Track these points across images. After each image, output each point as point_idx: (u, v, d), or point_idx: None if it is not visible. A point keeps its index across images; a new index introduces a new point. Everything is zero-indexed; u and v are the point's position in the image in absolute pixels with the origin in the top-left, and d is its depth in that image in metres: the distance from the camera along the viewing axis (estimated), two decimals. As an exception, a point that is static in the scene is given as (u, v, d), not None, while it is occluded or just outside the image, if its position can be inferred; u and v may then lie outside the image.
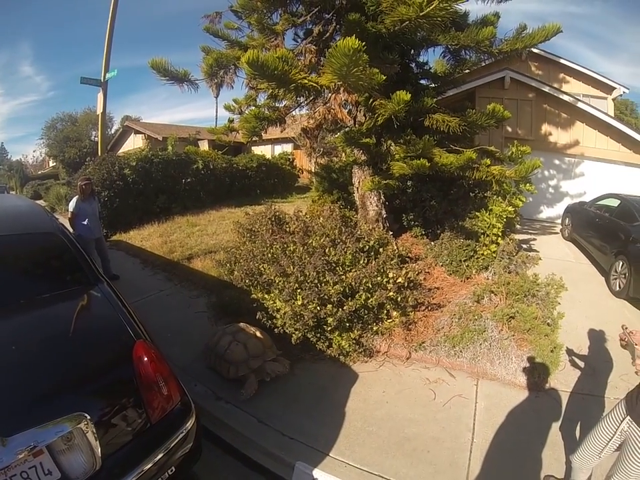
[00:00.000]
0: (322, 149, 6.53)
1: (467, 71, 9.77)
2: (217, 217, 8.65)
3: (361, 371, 3.62)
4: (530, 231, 8.77)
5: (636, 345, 1.87)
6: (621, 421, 1.99)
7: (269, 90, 5.40)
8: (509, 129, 9.97)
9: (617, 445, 2.05)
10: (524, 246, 6.78)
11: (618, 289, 5.55)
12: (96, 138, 21.64)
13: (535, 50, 11.33)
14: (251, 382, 3.26)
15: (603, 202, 7.42)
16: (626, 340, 1.96)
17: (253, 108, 6.22)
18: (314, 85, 4.63)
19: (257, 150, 16.24)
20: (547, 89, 9.92)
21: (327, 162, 6.97)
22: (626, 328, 2.02)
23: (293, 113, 6.82)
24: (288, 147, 16.44)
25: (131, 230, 8.24)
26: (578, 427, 3.13)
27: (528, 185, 4.97)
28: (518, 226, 7.42)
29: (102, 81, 9.86)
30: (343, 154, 5.44)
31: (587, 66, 12.48)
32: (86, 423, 1.66)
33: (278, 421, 2.95)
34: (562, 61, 12.11)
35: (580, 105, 9.87)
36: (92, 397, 1.82)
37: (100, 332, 2.20)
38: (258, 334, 3.55)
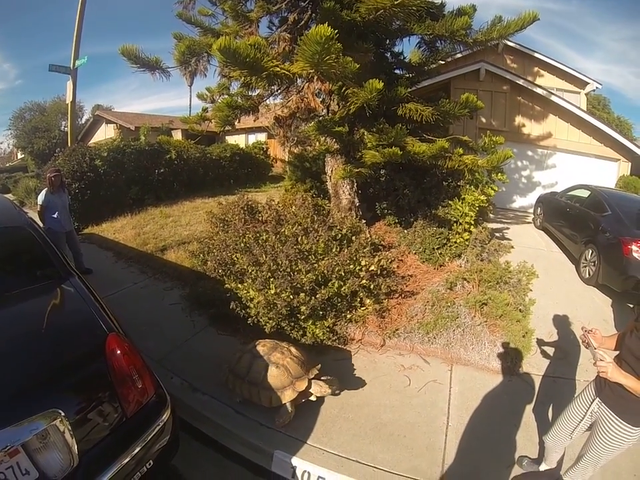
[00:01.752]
0: (296, 138, 6.46)
1: (442, 62, 9.89)
2: (191, 208, 8.51)
3: (336, 358, 3.61)
4: (503, 220, 8.92)
5: (595, 348, 1.90)
6: (591, 402, 2.06)
7: (242, 78, 5.29)
8: (483, 120, 10.11)
9: (588, 425, 2.13)
10: (497, 234, 6.88)
11: (588, 276, 5.72)
12: (66, 128, 20.84)
13: (510, 43, 11.54)
14: (285, 408, 2.81)
15: (574, 192, 7.61)
16: (586, 341, 2.00)
17: (226, 96, 6.10)
18: (286, 73, 4.58)
19: (231, 139, 16.04)
20: (521, 82, 10.09)
21: (301, 151, 6.89)
22: (585, 329, 2.05)
23: (267, 101, 6.72)
24: (262, 136, 16.20)
25: (103, 222, 8.02)
26: (550, 409, 3.22)
27: (500, 174, 5.04)
28: (491, 215, 7.55)
29: (71, 68, 9.45)
30: (317, 143, 5.40)
31: (562, 61, 12.77)
32: (60, 419, 1.63)
33: (255, 411, 2.93)
34: (537, 55, 12.32)
35: (553, 98, 10.08)
36: (66, 392, 1.78)
37: (72, 327, 2.16)
38: (293, 350, 3.01)
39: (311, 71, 4.43)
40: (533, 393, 3.45)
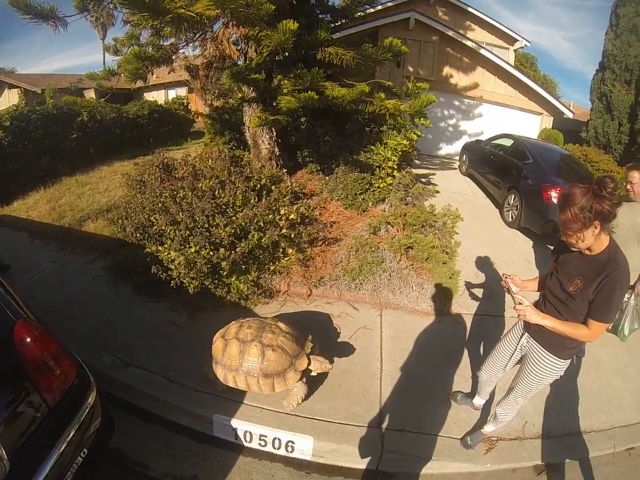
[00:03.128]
0: (217, 91, 6.03)
1: (372, 9, 9.64)
2: (109, 173, 7.84)
3: (263, 312, 3.52)
4: (430, 166, 9.09)
5: (514, 293, 1.95)
6: (520, 337, 2.14)
7: (145, 24, 4.77)
8: (411, 69, 10.11)
9: (518, 359, 2.22)
10: (423, 180, 6.99)
11: (510, 219, 6.04)
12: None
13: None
14: (297, 389, 2.58)
15: (498, 141, 7.89)
16: (506, 287, 2.04)
17: (136, 47, 5.52)
18: (192, 15, 4.17)
19: (150, 96, 15.06)
20: (450, 33, 10.15)
21: (223, 104, 6.49)
22: (505, 275, 2.09)
23: (186, 52, 6.19)
24: (183, 91, 15.30)
25: (14, 201, 7.14)
26: (481, 345, 3.35)
27: (423, 119, 5.04)
28: (417, 161, 7.66)
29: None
30: (240, 93, 5.12)
31: (496, 18, 13.01)
32: None
33: (189, 377, 2.80)
34: (470, 9, 12.41)
35: (482, 51, 10.30)
36: None
37: None
38: (282, 325, 2.72)
39: (217, 11, 4.09)
40: (464, 331, 3.57)
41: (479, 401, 2.74)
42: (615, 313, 1.76)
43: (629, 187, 3.05)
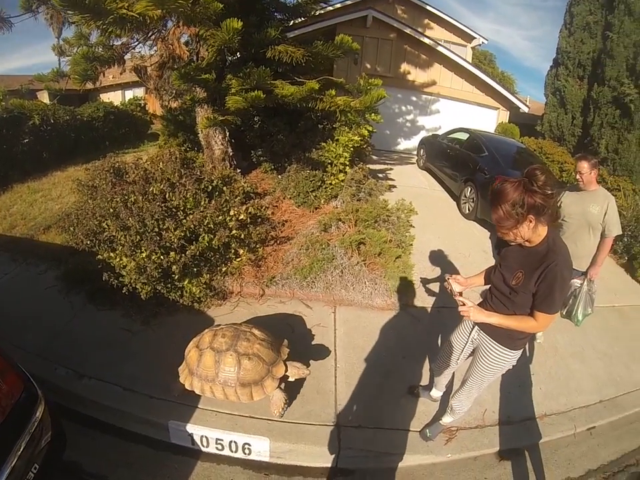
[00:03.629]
0: (175, 91, 5.91)
1: (330, 7, 9.67)
2: (63, 178, 7.55)
3: (216, 315, 3.51)
4: (387, 162, 9.18)
5: (455, 295, 1.95)
6: (471, 330, 2.14)
7: (87, 25, 4.64)
8: (368, 66, 10.24)
9: (471, 351, 2.22)
10: (380, 175, 7.07)
11: (467, 211, 6.19)
12: None
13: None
14: (277, 395, 2.56)
15: (454, 135, 8.07)
16: (449, 289, 2.04)
17: (85, 47, 5.35)
18: (135, 16, 4.10)
19: (106, 97, 14.58)
20: (408, 31, 10.30)
21: (181, 105, 6.38)
22: (447, 277, 2.09)
23: (143, 52, 6.05)
24: (140, 92, 14.72)
25: None
26: (439, 338, 3.38)
27: (374, 114, 5.10)
28: (374, 157, 7.70)
29: None
30: (190, 94, 5.06)
31: (454, 17, 13.39)
32: None
33: (143, 384, 2.75)
34: (428, 7, 12.70)
35: (439, 48, 10.52)
36: None
37: None
38: (256, 332, 2.65)
39: (158, 11, 4.02)
40: (420, 325, 3.60)
41: (436, 393, 2.77)
42: (559, 303, 1.72)
43: (578, 176, 3.09)
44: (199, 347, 2.56)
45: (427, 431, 2.55)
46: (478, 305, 2.03)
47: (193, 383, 2.49)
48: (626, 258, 5.75)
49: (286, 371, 2.56)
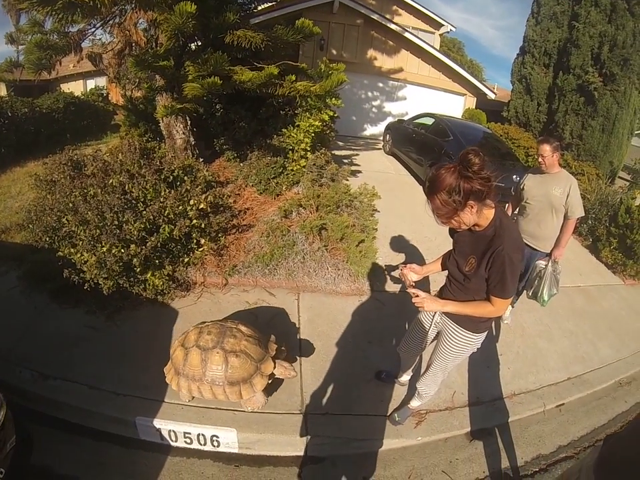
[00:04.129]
0: (138, 80, 5.71)
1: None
2: (22, 174, 7.24)
3: (180, 306, 3.48)
4: (353, 147, 9.23)
5: (407, 286, 1.93)
6: (434, 314, 2.12)
7: (37, 11, 4.46)
8: (334, 52, 10.15)
9: (435, 335, 2.21)
10: (345, 161, 7.10)
11: (434, 195, 6.33)
12: None
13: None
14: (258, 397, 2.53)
15: (420, 120, 8.17)
16: (404, 279, 2.02)
17: (38, 35, 5.13)
18: (84, 1, 3.96)
19: (67, 87, 13.84)
20: (375, 17, 10.24)
21: (144, 94, 6.19)
22: (402, 267, 2.08)
23: (104, 40, 5.82)
24: (102, 81, 14.19)
25: None
26: (404, 322, 3.37)
27: (335, 99, 5.09)
28: (340, 142, 7.70)
29: None
30: (148, 82, 4.91)
31: (422, 4, 13.38)
32: None
33: (109, 382, 2.70)
34: None
35: (406, 34, 10.54)
36: None
37: None
38: (243, 328, 2.58)
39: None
40: (385, 309, 3.60)
41: (403, 377, 2.78)
42: (513, 287, 1.66)
43: (540, 159, 3.12)
44: (184, 346, 2.48)
45: (396, 415, 2.56)
46: (439, 290, 2.07)
47: (180, 383, 2.43)
48: (590, 240, 6.00)
49: (274, 368, 2.51)
